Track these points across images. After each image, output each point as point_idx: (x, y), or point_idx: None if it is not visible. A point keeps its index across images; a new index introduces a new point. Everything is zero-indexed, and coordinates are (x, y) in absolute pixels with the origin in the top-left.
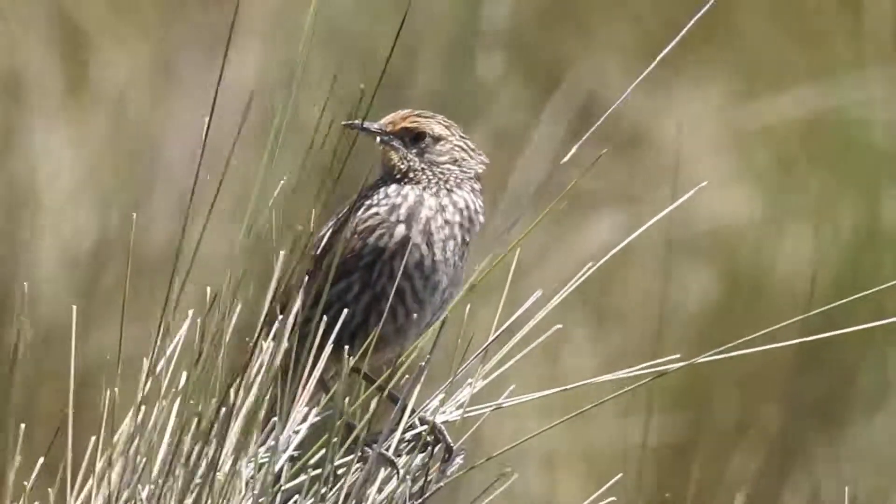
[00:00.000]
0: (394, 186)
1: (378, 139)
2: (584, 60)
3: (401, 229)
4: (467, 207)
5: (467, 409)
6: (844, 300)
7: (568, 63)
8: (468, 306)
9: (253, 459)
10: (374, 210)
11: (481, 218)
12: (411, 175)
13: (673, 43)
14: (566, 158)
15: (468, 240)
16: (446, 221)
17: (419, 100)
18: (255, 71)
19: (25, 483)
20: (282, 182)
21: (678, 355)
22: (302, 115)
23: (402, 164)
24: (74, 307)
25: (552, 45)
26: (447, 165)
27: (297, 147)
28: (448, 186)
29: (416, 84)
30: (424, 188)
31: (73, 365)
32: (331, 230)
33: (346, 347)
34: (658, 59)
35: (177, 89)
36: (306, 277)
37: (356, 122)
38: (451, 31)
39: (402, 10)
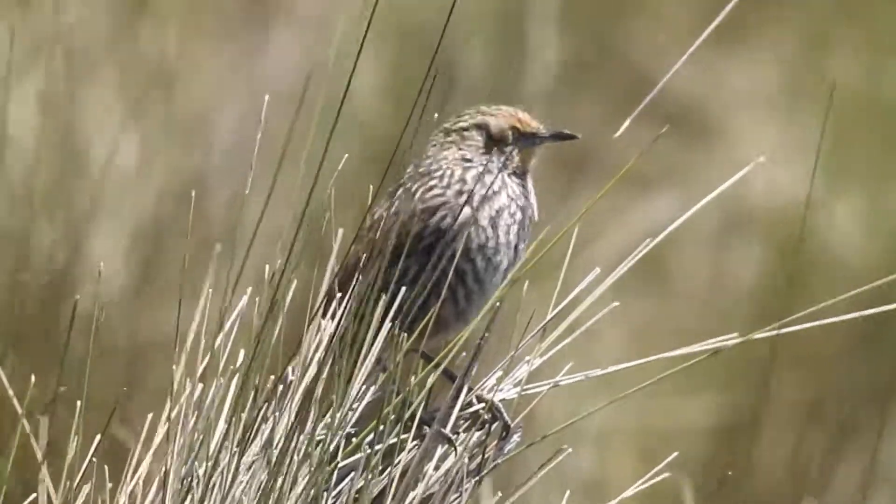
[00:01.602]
0: (473, 172)
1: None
2: (639, 38)
3: (466, 211)
4: (533, 194)
5: (524, 387)
6: None
7: (622, 40)
8: (526, 284)
9: (310, 436)
10: (437, 191)
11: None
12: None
13: (720, 17)
14: (618, 133)
15: (529, 224)
16: (519, 207)
17: (472, 83)
18: (306, 51)
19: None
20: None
21: (735, 333)
22: (354, 99)
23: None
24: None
25: (606, 23)
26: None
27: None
28: (522, 172)
29: (468, 65)
30: (510, 175)
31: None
32: (387, 211)
33: (404, 329)
34: (706, 33)
35: (230, 68)
36: (364, 257)
37: (569, 131)
38: (501, 10)
39: None
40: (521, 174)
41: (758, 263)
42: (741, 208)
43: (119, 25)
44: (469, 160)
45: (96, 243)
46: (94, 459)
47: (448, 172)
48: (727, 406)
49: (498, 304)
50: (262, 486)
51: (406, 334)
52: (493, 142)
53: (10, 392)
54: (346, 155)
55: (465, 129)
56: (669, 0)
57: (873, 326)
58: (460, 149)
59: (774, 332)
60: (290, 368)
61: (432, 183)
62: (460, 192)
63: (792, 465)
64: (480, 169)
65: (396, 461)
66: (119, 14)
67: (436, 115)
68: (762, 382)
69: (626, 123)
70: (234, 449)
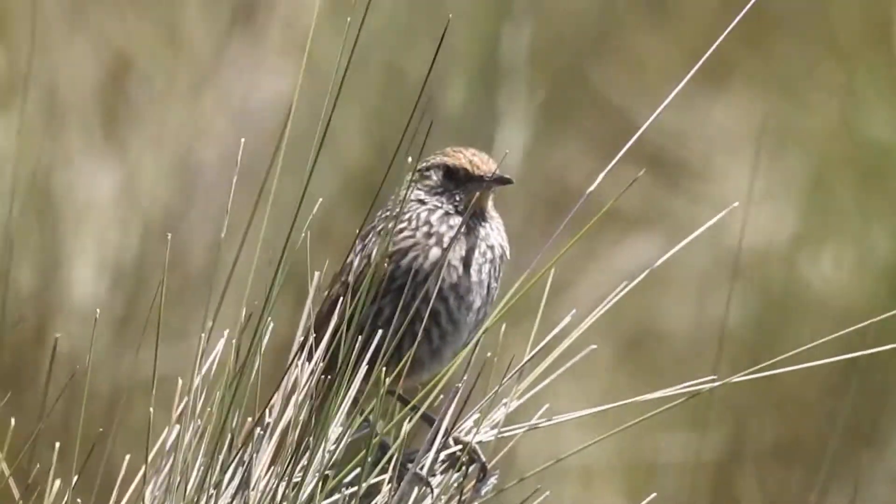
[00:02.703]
0: (440, 214)
1: (494, 186)
2: (616, 78)
3: (435, 251)
4: (501, 233)
5: (502, 429)
6: (882, 316)
7: (600, 80)
8: (503, 326)
9: (287, 478)
10: (407, 233)
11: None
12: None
13: (701, 60)
14: (599, 179)
15: (501, 263)
16: (489, 246)
17: (448, 120)
18: (287, 87)
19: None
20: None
21: (714, 376)
22: (334, 135)
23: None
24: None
25: (583, 63)
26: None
27: (330, 164)
28: (490, 214)
29: (448, 105)
30: (475, 216)
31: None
32: (360, 254)
33: (382, 369)
34: (690, 74)
35: (212, 107)
36: (340, 299)
37: (508, 176)
38: (478, 51)
39: (430, 32)
40: (480, 215)
41: (739, 303)
42: (722, 249)
43: (100, 62)
44: (423, 201)
45: (76, 282)
46: (77, 500)
47: (414, 215)
48: (708, 444)
49: (475, 345)
50: None
51: (383, 374)
52: (447, 182)
53: None
54: (321, 199)
55: (427, 169)
56: (646, 40)
57: (854, 366)
58: (418, 189)
59: (752, 376)
60: (267, 410)
61: (402, 226)
62: (429, 234)
63: (773, 501)
64: (440, 210)
65: (373, 503)
66: (100, 50)
67: (409, 158)
68: (743, 421)
69: (606, 171)
70: (212, 491)
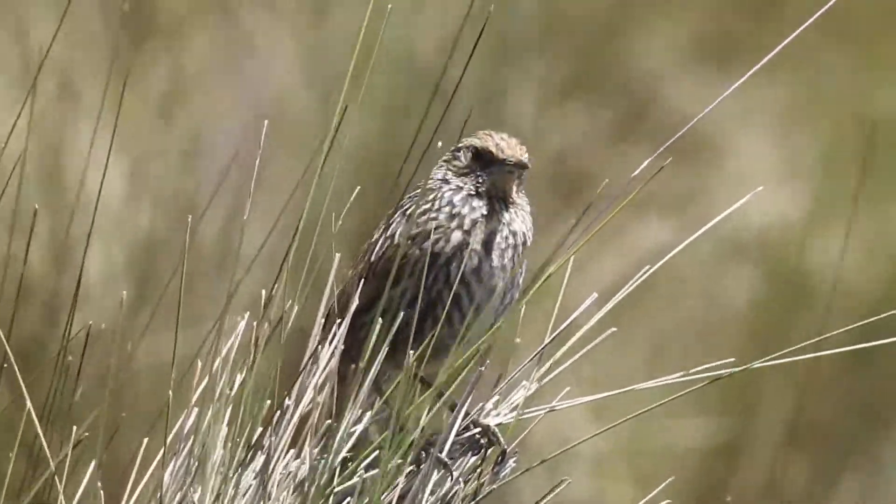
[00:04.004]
0: (462, 195)
1: (515, 170)
2: (632, 57)
3: (457, 235)
4: (525, 218)
5: (521, 412)
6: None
7: (616, 60)
8: (523, 310)
9: (306, 461)
10: (431, 214)
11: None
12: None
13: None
14: (636, 173)
15: (523, 248)
16: (511, 232)
17: (461, 101)
18: (298, 68)
19: (78, 487)
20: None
21: (732, 359)
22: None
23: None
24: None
25: (604, 45)
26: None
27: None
28: (514, 199)
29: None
30: (500, 200)
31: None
32: (383, 234)
33: (410, 353)
34: (741, 81)
35: (226, 88)
36: (361, 281)
37: (524, 161)
38: (496, 27)
39: (438, 12)
40: (503, 199)
41: (753, 287)
42: (737, 232)
43: (112, 50)
44: (447, 181)
45: (90, 267)
46: (94, 484)
47: (438, 195)
48: (722, 429)
49: (495, 329)
50: None
51: (410, 358)
52: (474, 164)
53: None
54: (352, 184)
55: (458, 150)
56: (663, 19)
57: (866, 350)
58: (447, 170)
59: (772, 362)
60: (286, 393)
61: (425, 206)
62: (451, 216)
63: (783, 487)
64: (463, 191)
65: (393, 486)
66: (112, 38)
67: (440, 143)
68: (753, 404)
69: (644, 165)
70: (230, 475)
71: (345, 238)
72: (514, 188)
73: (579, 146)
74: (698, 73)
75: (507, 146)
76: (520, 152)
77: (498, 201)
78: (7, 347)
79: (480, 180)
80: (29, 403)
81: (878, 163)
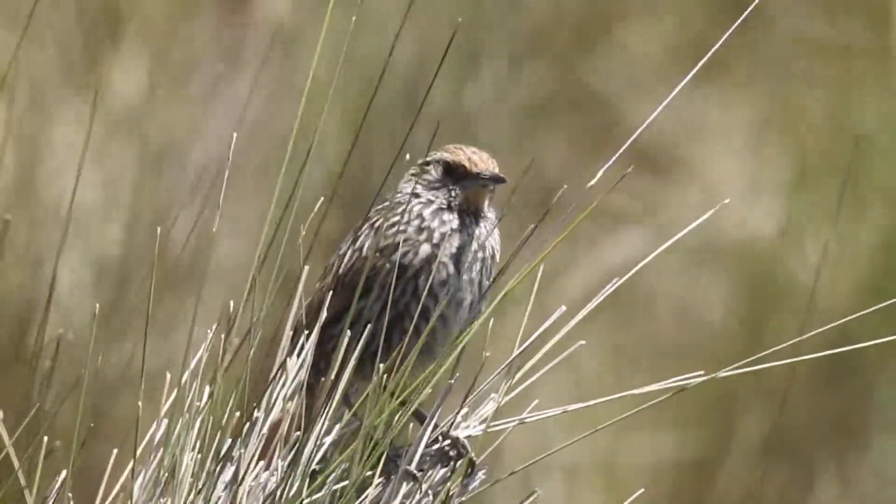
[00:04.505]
0: (433, 208)
1: (489, 184)
2: (605, 71)
3: (426, 248)
4: (494, 233)
5: (491, 424)
6: (866, 311)
7: (588, 74)
8: (491, 321)
9: (275, 473)
10: (400, 227)
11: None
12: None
13: (705, 59)
14: (593, 182)
15: (492, 262)
16: (480, 246)
17: (432, 113)
18: (272, 81)
19: (47, 497)
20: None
21: (701, 371)
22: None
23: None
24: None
25: (572, 56)
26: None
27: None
28: (484, 213)
29: (429, 96)
30: (470, 214)
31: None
32: (351, 247)
33: (377, 365)
34: (688, 76)
35: (197, 100)
36: (329, 293)
37: (502, 175)
38: (466, 40)
39: (414, 22)
40: (474, 213)
41: (726, 298)
42: (710, 243)
43: (86, 58)
44: (417, 195)
45: (62, 276)
46: (63, 494)
47: (407, 208)
48: (694, 439)
49: (464, 341)
50: None
51: (379, 369)
52: (445, 178)
53: None
54: (322, 198)
55: (427, 164)
56: (636, 33)
57: (838, 360)
58: (418, 183)
59: (741, 370)
60: (256, 405)
61: (394, 219)
62: (420, 229)
63: (758, 498)
64: (433, 205)
65: (362, 498)
66: (87, 46)
67: (407, 156)
68: (728, 416)
69: (601, 173)
70: (200, 486)
71: (318, 249)
72: (486, 202)
73: (553, 159)
74: (673, 84)
75: (479, 160)
76: (492, 166)
77: (468, 215)
78: None
79: (453, 194)
80: (0, 412)
81: (851, 175)
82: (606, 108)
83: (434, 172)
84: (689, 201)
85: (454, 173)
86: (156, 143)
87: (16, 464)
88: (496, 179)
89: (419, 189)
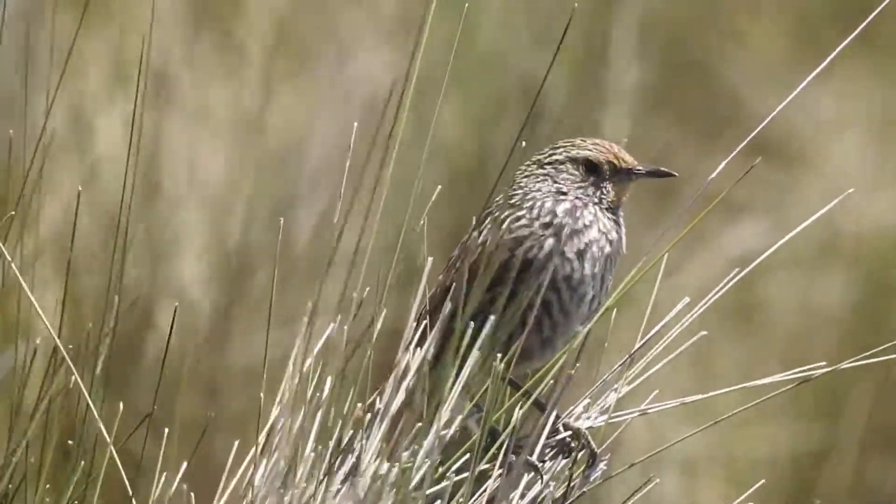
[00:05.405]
0: (567, 205)
1: (637, 178)
2: (725, 62)
3: (550, 242)
4: (622, 227)
5: (611, 415)
6: None
7: (707, 64)
8: (614, 313)
9: (396, 464)
10: (524, 222)
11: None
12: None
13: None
14: (715, 173)
15: (617, 257)
16: (609, 241)
17: (552, 108)
18: (388, 70)
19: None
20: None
21: (824, 362)
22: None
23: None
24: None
25: (692, 48)
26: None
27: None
28: (615, 207)
29: (551, 93)
30: (604, 209)
31: None
32: (475, 240)
33: (497, 356)
34: (818, 68)
35: (315, 90)
36: (453, 285)
37: (665, 169)
38: (586, 33)
39: (536, 16)
40: (614, 208)
41: (847, 290)
42: (831, 236)
43: (202, 52)
44: (564, 193)
45: (182, 269)
46: (183, 486)
47: (538, 204)
48: (813, 432)
49: (586, 333)
50: None
51: (497, 361)
52: (589, 175)
53: (98, 419)
54: (439, 186)
55: (561, 163)
56: (757, 23)
57: None
58: (555, 182)
59: (863, 362)
60: (377, 395)
61: (520, 214)
62: (548, 224)
63: (876, 491)
64: (575, 202)
65: (483, 489)
66: (203, 41)
67: (523, 143)
68: (845, 409)
69: (724, 163)
70: (321, 477)
71: (439, 240)
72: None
73: (672, 153)
74: (792, 74)
75: (625, 155)
76: (630, 159)
77: (603, 211)
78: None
79: (604, 191)
80: (121, 405)
81: None
82: (725, 97)
83: (574, 170)
84: (811, 194)
85: (599, 169)
86: (275, 135)
87: (139, 456)
88: (658, 174)
89: (563, 187)
